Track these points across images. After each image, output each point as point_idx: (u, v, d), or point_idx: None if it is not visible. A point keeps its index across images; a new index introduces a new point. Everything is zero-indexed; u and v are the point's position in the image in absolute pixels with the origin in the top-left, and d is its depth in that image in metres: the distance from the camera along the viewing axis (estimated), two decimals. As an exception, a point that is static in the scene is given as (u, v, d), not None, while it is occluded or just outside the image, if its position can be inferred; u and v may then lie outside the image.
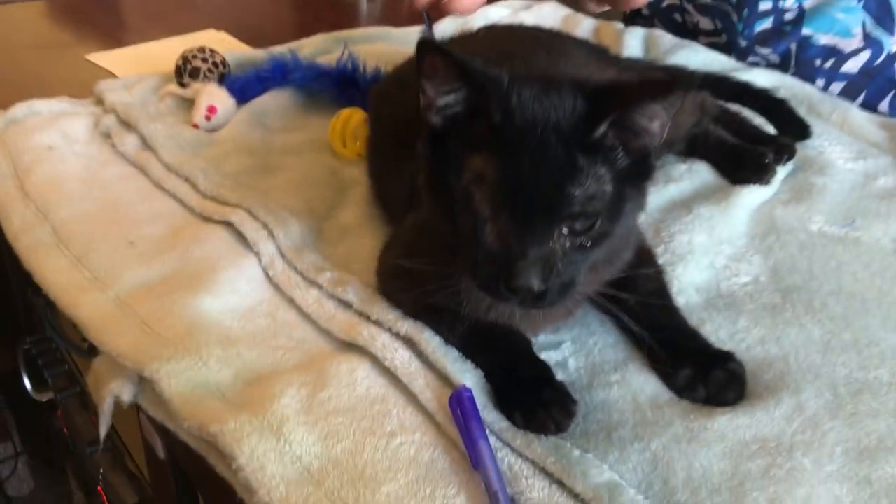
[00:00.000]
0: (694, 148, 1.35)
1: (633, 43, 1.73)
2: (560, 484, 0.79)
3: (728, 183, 1.28)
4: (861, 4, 1.60)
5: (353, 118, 1.33)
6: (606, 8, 1.56)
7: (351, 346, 0.96)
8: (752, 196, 1.23)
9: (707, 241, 1.13)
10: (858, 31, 1.61)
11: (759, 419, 0.85)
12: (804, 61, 1.67)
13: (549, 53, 1.21)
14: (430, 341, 0.93)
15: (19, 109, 1.43)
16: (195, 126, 1.40)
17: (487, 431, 0.83)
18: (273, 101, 1.47)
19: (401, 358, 0.92)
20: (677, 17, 1.86)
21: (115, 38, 1.99)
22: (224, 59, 1.51)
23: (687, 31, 1.84)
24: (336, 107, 1.43)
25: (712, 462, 0.80)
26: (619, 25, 1.86)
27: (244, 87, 1.49)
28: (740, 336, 0.97)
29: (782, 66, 1.69)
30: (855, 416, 0.86)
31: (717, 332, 0.98)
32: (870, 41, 1.60)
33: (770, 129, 1.41)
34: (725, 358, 0.91)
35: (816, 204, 1.22)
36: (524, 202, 0.78)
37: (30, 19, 2.14)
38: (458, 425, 0.84)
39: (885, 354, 0.94)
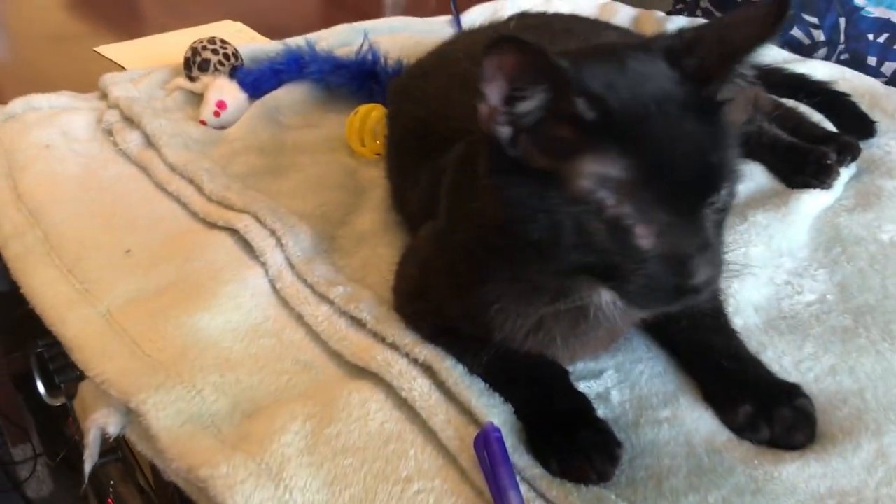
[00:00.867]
0: (747, 148, 1.22)
1: (676, 33, 1.59)
2: (603, 545, 0.68)
3: (785, 187, 1.16)
4: None
5: (372, 115, 1.23)
6: None
7: (364, 372, 0.86)
8: (812, 201, 1.11)
9: (765, 252, 1.01)
10: None
11: (835, 468, 0.73)
12: (854, 35, 1.53)
13: (587, 41, 1.10)
14: (453, 370, 0.82)
15: (17, 104, 1.34)
16: (202, 123, 1.30)
17: (518, 479, 0.72)
18: (287, 95, 1.36)
19: (419, 388, 0.81)
20: None
21: (130, 29, 1.89)
22: (236, 50, 1.41)
23: (727, 5, 1.72)
24: (355, 102, 1.32)
25: (782, 520, 0.69)
26: (660, 14, 1.73)
27: (257, 80, 1.38)
28: (807, 365, 0.85)
29: (830, 42, 1.56)
30: (949, 465, 0.74)
31: (781, 360, 0.86)
32: None
33: (830, 126, 1.28)
34: (791, 392, 0.79)
35: (886, 210, 1.09)
36: (674, 190, 0.65)
37: (45, 8, 2.05)
38: (484, 471, 0.72)
39: (978, 389, 0.81)
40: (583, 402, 0.79)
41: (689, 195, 0.66)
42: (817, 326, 0.90)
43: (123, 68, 1.60)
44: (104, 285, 0.98)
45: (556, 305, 0.74)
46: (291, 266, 0.99)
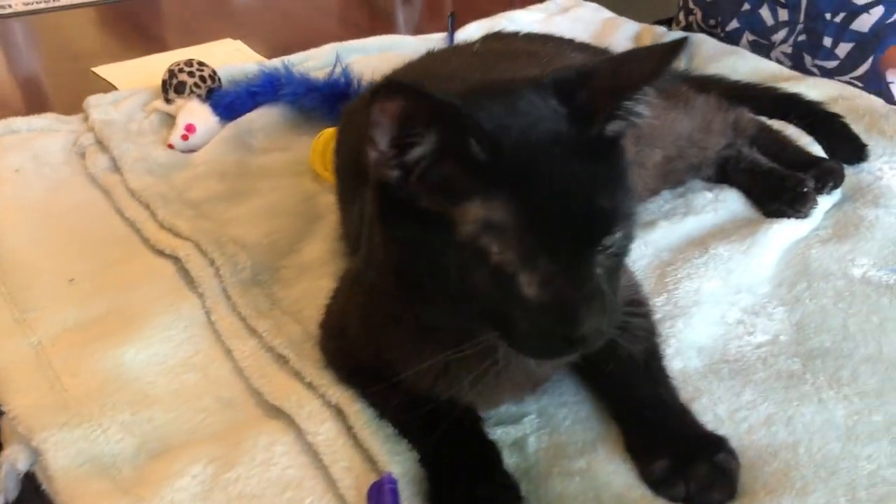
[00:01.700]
0: (724, 173, 1.17)
1: (672, 49, 1.53)
2: None
3: (760, 215, 1.09)
4: None
5: (334, 138, 1.20)
6: None
7: (280, 412, 0.83)
8: (785, 232, 1.04)
9: (720, 288, 0.96)
10: None
11: (749, 531, 0.68)
12: (813, 14, 1.48)
13: (550, 63, 1.06)
14: (362, 414, 0.79)
15: (-4, 128, 1.35)
16: (170, 146, 1.29)
17: (409, 532, 0.68)
18: (261, 118, 1.35)
19: (326, 432, 0.78)
20: None
21: (134, 47, 1.91)
22: (214, 72, 1.40)
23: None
24: (328, 125, 1.30)
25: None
26: (661, 29, 1.67)
27: (233, 102, 1.37)
28: (742, 414, 0.80)
29: (790, 21, 1.52)
30: (876, 533, 0.68)
31: (715, 408, 0.81)
32: None
33: (819, 150, 1.21)
34: (715, 445, 0.74)
35: (863, 243, 1.02)
36: (559, 236, 0.62)
37: (67, 27, 2.08)
38: (373, 523, 0.69)
39: (925, 447, 0.75)
40: (490, 451, 0.76)
41: (576, 241, 0.63)
42: (762, 371, 0.85)
43: (116, 88, 1.61)
44: (42, 314, 0.98)
45: (460, 349, 0.71)
46: (228, 297, 0.98)
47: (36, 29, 2.05)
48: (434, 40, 1.71)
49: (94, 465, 0.78)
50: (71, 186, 1.24)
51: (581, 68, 0.68)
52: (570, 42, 1.23)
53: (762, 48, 1.57)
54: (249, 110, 1.37)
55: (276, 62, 1.43)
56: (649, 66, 0.64)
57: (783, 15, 1.54)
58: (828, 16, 1.46)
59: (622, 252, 0.67)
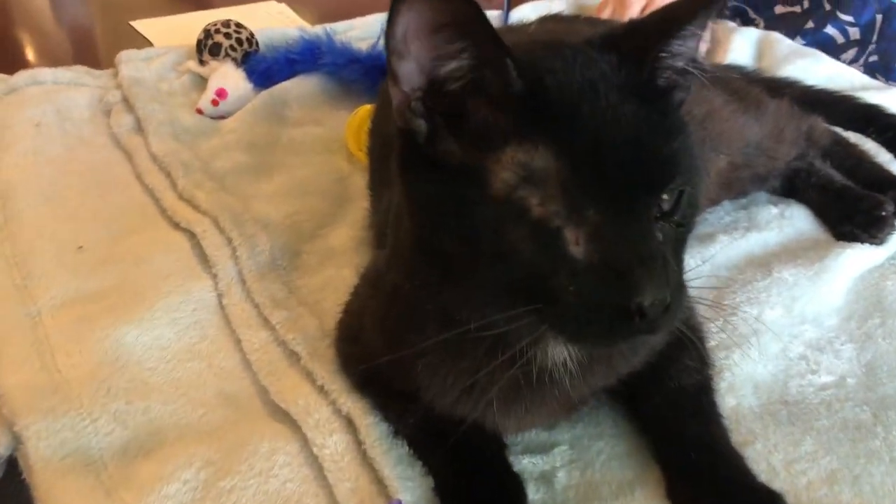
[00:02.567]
0: (793, 187, 1.06)
1: (741, 45, 1.43)
2: None
3: (830, 237, 0.99)
4: None
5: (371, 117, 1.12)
6: None
7: (286, 415, 0.75)
8: (857, 259, 0.94)
9: (783, 317, 0.86)
10: None
11: None
12: (888, 35, 1.39)
13: None
14: (374, 429, 0.71)
15: (21, 77, 1.29)
16: (199, 111, 1.21)
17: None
18: (297, 87, 1.27)
19: (333, 445, 0.71)
20: None
21: (184, 2, 1.84)
22: (251, 35, 1.32)
23: (760, 4, 1.59)
24: (366, 100, 1.22)
25: None
26: (731, 24, 1.56)
27: (269, 68, 1.29)
28: (801, 466, 0.71)
29: (862, 41, 1.42)
30: None
31: (770, 456, 0.72)
32: None
33: (899, 169, 1.10)
34: (769, 501, 0.65)
35: (947, 277, 0.92)
36: (610, 183, 0.54)
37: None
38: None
39: None
40: (514, 484, 0.68)
41: (628, 190, 0.54)
42: (825, 418, 0.75)
43: (152, 45, 1.54)
44: (45, 282, 0.91)
45: (491, 362, 0.62)
46: (243, 280, 0.90)
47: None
48: (490, 18, 1.61)
49: (79, 458, 0.71)
50: (92, 146, 1.18)
51: (629, 22, 0.60)
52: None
53: None
54: (286, 78, 1.29)
55: (318, 29, 1.35)
56: (694, 4, 0.57)
57: (854, 34, 1.44)
58: None
59: (686, 224, 0.58)
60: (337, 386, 0.75)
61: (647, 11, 1.30)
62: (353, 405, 0.73)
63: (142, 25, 1.63)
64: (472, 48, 0.54)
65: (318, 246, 0.97)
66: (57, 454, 0.71)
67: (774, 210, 1.03)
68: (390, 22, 0.53)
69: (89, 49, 1.70)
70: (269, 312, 0.86)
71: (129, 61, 1.34)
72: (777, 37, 1.45)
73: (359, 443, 0.71)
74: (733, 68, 1.27)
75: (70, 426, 0.73)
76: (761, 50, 1.44)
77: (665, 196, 0.56)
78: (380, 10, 1.60)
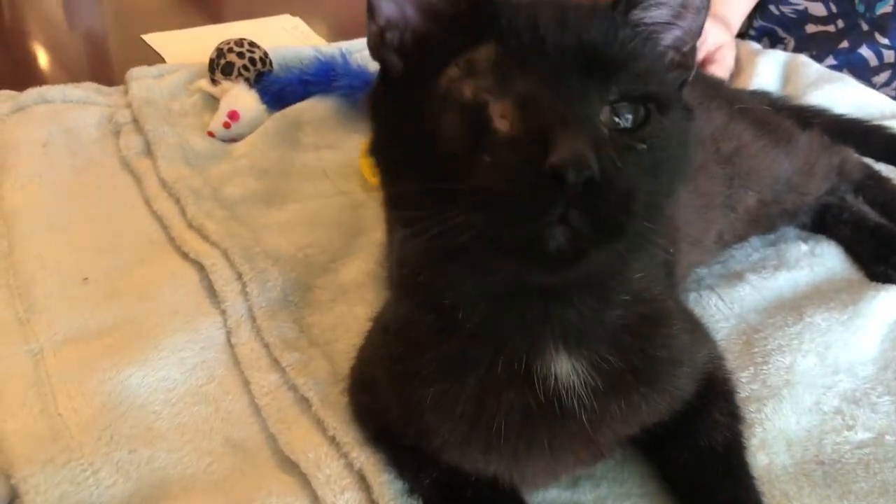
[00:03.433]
0: (823, 223, 1.03)
1: (767, 69, 1.39)
2: None
3: (863, 277, 0.95)
4: None
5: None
6: None
7: (295, 466, 0.72)
8: (892, 302, 0.90)
9: (816, 367, 0.82)
10: None
11: None
12: None
13: None
14: (388, 488, 0.68)
15: (30, 95, 1.25)
16: (210, 134, 1.18)
17: None
18: (311, 110, 1.23)
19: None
20: (773, 8, 1.57)
21: (186, 15, 1.81)
22: (265, 55, 1.29)
23: (790, 23, 1.55)
24: (381, 123, 1.18)
25: None
26: (756, 46, 1.52)
27: (283, 89, 1.26)
28: (840, 535, 0.67)
29: None
30: None
31: (806, 523, 0.68)
32: None
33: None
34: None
35: None
36: (543, 62, 0.52)
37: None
38: None
39: None
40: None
41: (562, 68, 0.52)
42: (864, 479, 0.71)
43: (164, 60, 1.51)
44: (47, 317, 0.88)
45: (493, 376, 0.60)
46: (253, 318, 0.87)
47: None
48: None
49: (77, 514, 0.68)
50: (100, 168, 1.14)
51: None
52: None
53: None
54: (300, 99, 1.26)
55: (334, 49, 1.31)
56: None
57: (889, 56, 1.40)
58: None
59: (659, 161, 0.54)
60: (350, 438, 0.72)
61: (702, 51, 1.27)
62: (367, 460, 0.69)
63: (153, 39, 1.60)
64: None
65: (330, 281, 0.94)
66: (55, 509, 0.68)
67: (804, 247, 1.00)
68: None
69: (102, 62, 1.67)
70: (280, 354, 0.82)
71: (140, 79, 1.31)
72: (804, 60, 1.41)
73: (372, 502, 0.67)
74: (759, 95, 1.23)
75: (70, 478, 0.70)
76: (788, 74, 1.40)
77: (616, 94, 0.53)
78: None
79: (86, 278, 0.93)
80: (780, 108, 1.15)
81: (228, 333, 0.86)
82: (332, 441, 0.72)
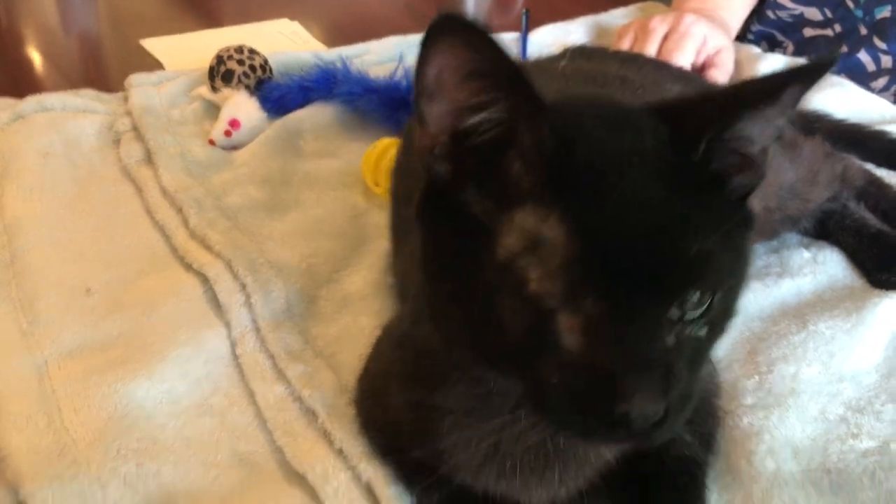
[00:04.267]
0: (825, 229, 1.03)
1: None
2: None
3: (865, 285, 0.96)
4: None
5: (390, 151, 1.08)
6: None
7: (302, 478, 0.72)
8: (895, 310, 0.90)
9: (821, 375, 0.82)
10: None
11: None
12: None
13: (643, 91, 0.94)
14: (395, 503, 0.67)
15: (29, 104, 1.24)
16: (211, 143, 1.18)
17: None
18: (311, 118, 1.23)
19: (353, 518, 0.67)
20: (770, 13, 1.57)
21: (184, 20, 1.80)
22: (265, 62, 1.29)
23: (788, 27, 1.55)
24: (384, 132, 1.19)
25: None
26: (756, 50, 1.52)
27: (284, 96, 1.26)
28: (848, 546, 0.67)
29: (894, 70, 1.40)
30: None
31: (815, 534, 0.68)
32: None
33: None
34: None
35: None
36: (619, 274, 0.49)
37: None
38: None
39: None
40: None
41: (637, 286, 0.49)
42: (869, 488, 0.72)
43: (162, 66, 1.51)
44: (51, 329, 0.88)
45: (515, 424, 0.58)
46: (257, 329, 0.87)
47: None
48: (506, 40, 1.58)
49: (86, 528, 0.68)
50: (101, 178, 1.14)
51: (700, 93, 0.56)
52: (669, 68, 1.09)
53: None
54: (300, 106, 1.25)
55: (334, 56, 1.31)
56: (772, 85, 0.52)
57: (886, 62, 1.40)
58: None
59: (714, 331, 0.53)
60: (357, 451, 0.72)
61: (702, 55, 1.26)
62: (375, 473, 0.70)
63: (152, 44, 1.60)
64: (506, 100, 0.50)
65: (334, 291, 0.94)
66: (63, 525, 0.68)
67: (807, 254, 1.00)
68: (423, 61, 0.49)
69: (99, 68, 1.66)
70: (285, 365, 0.82)
71: (140, 86, 1.30)
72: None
73: (380, 517, 0.67)
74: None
75: (78, 493, 0.69)
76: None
77: (688, 298, 0.51)
78: (395, 29, 1.57)
79: (89, 289, 0.93)
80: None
81: (233, 345, 0.86)
82: (340, 453, 0.72)
